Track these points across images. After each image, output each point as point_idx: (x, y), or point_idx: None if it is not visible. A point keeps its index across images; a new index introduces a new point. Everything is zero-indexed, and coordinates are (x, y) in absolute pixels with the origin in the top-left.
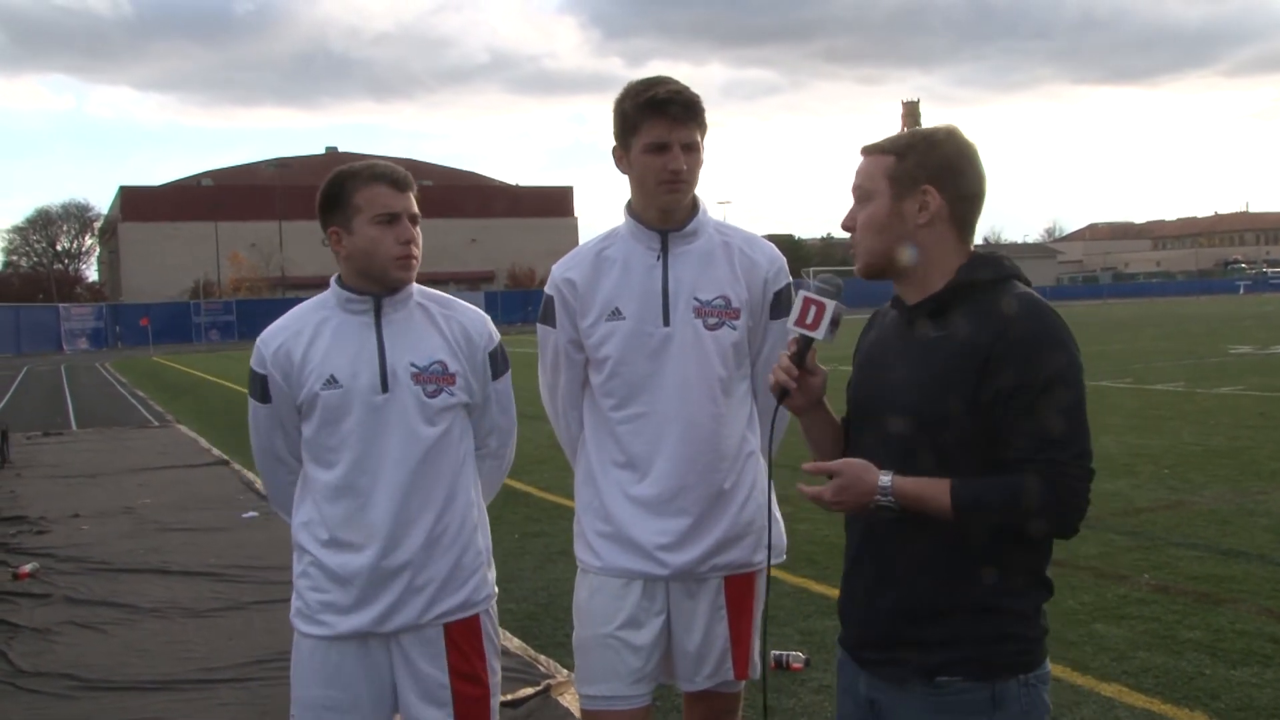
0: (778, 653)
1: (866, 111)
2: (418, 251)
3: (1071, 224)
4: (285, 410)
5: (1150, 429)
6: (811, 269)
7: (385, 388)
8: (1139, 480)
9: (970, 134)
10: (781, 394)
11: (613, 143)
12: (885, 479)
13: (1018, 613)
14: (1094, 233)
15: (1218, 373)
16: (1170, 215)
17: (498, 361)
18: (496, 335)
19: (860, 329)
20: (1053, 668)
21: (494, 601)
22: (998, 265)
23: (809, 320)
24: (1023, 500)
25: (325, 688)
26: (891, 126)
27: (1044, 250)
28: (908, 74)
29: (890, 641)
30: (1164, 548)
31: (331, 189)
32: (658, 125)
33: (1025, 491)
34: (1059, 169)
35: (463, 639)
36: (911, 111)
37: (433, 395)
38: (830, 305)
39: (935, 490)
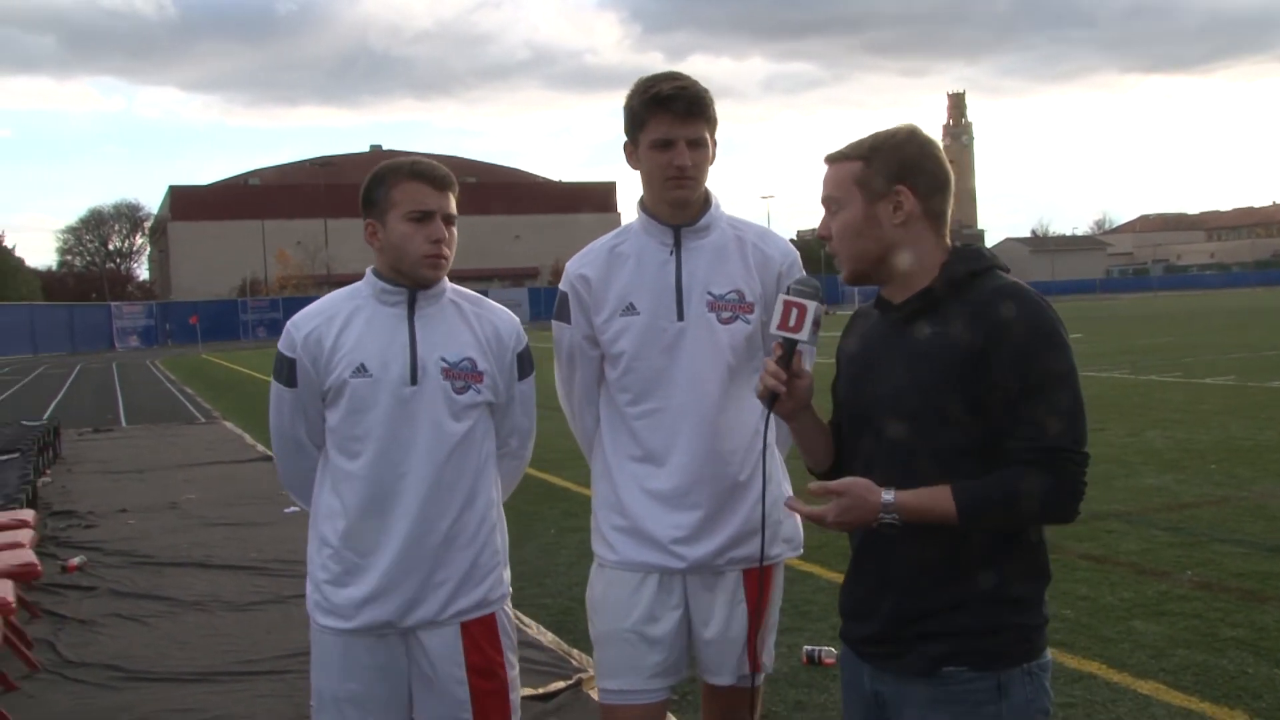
0: (810, 648)
1: (911, 104)
2: (448, 251)
3: (1122, 215)
4: (310, 396)
5: (1198, 423)
6: None
7: (414, 380)
8: (1184, 475)
9: (1008, 128)
10: (771, 399)
11: (624, 138)
12: (888, 496)
13: (1020, 602)
14: (1145, 224)
15: (1271, 366)
16: (1226, 205)
17: (525, 363)
18: (525, 337)
19: (840, 331)
20: (1089, 664)
21: (509, 601)
22: (980, 258)
23: (791, 323)
24: (1024, 495)
25: (344, 680)
26: (937, 118)
27: (1093, 242)
28: (952, 65)
29: (893, 636)
30: (1208, 544)
31: (372, 183)
32: (663, 122)
33: (1026, 486)
34: (1109, 160)
35: (481, 635)
36: (957, 103)
37: (460, 392)
38: (811, 306)
39: (938, 500)
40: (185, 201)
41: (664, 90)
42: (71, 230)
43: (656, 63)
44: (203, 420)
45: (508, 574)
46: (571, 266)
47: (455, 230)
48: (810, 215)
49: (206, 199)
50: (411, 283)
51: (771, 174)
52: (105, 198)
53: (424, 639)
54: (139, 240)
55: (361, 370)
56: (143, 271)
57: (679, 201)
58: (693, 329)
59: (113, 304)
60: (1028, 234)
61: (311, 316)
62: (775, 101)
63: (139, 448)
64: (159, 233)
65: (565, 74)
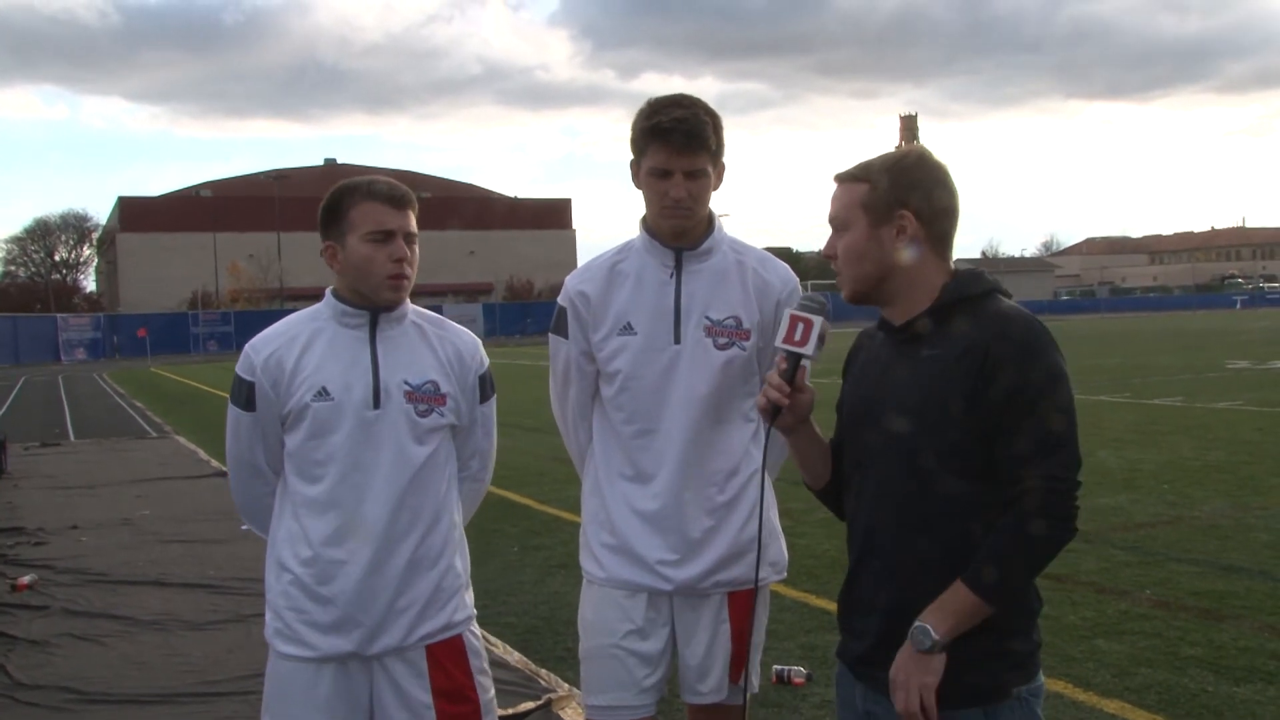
0: (779, 668)
1: (861, 125)
2: (410, 271)
3: (1069, 238)
4: (269, 420)
5: (1149, 444)
6: (809, 282)
7: (377, 404)
8: (1138, 495)
9: (956, 150)
10: (774, 413)
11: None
12: (926, 640)
13: (1012, 627)
14: (1091, 247)
15: (1216, 388)
16: (1167, 230)
17: (486, 385)
18: (487, 359)
19: (846, 350)
20: (1055, 684)
21: (474, 623)
22: (981, 280)
23: (797, 337)
24: (1024, 546)
25: (306, 712)
26: (887, 140)
27: (1041, 264)
28: (901, 87)
29: (888, 654)
30: (1164, 563)
31: (329, 203)
32: (660, 152)
33: (1021, 539)
34: (1055, 183)
35: (446, 658)
36: (909, 125)
37: (424, 415)
38: (817, 321)
39: (960, 603)
40: (135, 212)
41: (662, 122)
42: (15, 240)
43: (609, 80)
44: (154, 435)
45: (470, 596)
46: (571, 282)
47: (417, 249)
48: (763, 235)
49: (156, 210)
50: (373, 304)
51: (725, 192)
52: (50, 208)
53: (389, 665)
54: (86, 251)
55: (323, 394)
56: (90, 283)
57: (675, 230)
58: (688, 353)
59: (59, 315)
60: (978, 255)
61: (271, 339)
62: (727, 120)
63: (89, 462)
64: (107, 244)
65: (517, 90)
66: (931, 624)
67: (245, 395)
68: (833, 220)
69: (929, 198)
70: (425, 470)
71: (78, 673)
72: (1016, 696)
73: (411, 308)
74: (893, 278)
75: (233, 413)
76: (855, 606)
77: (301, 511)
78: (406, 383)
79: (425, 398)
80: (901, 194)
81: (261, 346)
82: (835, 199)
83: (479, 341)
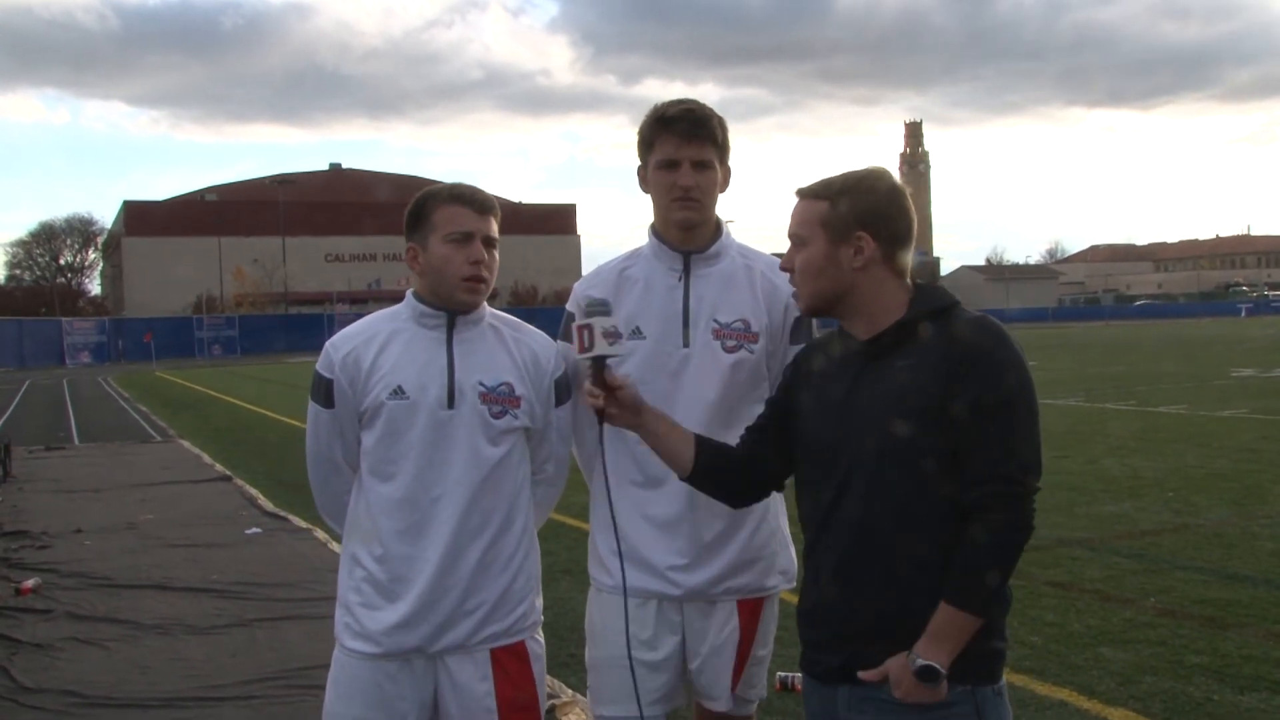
0: (783, 674)
1: (863, 131)
2: (488, 274)
3: (1074, 245)
4: (347, 417)
5: (1154, 451)
6: None
7: (451, 403)
8: (1143, 503)
9: (959, 157)
10: (600, 415)
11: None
12: (936, 675)
13: (992, 626)
14: (1096, 254)
15: (1220, 396)
16: (1171, 237)
17: (562, 389)
18: (563, 363)
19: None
20: (1059, 692)
21: (540, 628)
22: (945, 295)
23: (586, 344)
24: (988, 551)
25: (367, 707)
26: (890, 147)
27: (1046, 271)
28: (903, 94)
29: (876, 655)
30: (1169, 571)
31: (415, 206)
32: (668, 142)
33: (983, 544)
34: (1059, 190)
35: (511, 665)
36: (914, 132)
37: (497, 416)
38: (595, 322)
39: (954, 625)
40: (140, 216)
41: (670, 112)
42: (21, 244)
43: (610, 85)
44: (158, 439)
45: (540, 601)
46: (579, 288)
47: (496, 254)
48: (766, 242)
49: (161, 214)
50: (450, 306)
51: (728, 198)
52: (55, 211)
53: (452, 665)
54: (91, 255)
55: (399, 392)
56: (95, 287)
57: (684, 223)
58: (697, 356)
59: (64, 319)
60: (982, 262)
61: (350, 337)
62: (729, 127)
63: (93, 466)
64: (112, 248)
65: (519, 95)
66: (937, 660)
67: (324, 392)
68: (791, 236)
69: (887, 220)
70: (498, 471)
71: (81, 677)
72: (996, 691)
73: (489, 311)
74: (850, 295)
75: (312, 409)
76: (831, 616)
77: (375, 509)
78: (481, 384)
79: (499, 399)
80: (860, 215)
81: (341, 344)
82: (795, 214)
83: (555, 345)
